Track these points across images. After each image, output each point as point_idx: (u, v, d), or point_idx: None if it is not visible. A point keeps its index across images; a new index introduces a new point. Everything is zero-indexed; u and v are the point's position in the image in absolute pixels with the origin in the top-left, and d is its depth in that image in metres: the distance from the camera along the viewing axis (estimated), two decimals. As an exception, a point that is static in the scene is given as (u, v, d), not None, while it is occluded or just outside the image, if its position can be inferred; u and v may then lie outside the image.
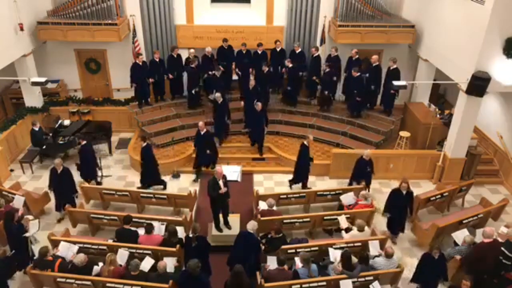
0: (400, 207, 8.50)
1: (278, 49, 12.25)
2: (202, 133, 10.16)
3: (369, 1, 11.63)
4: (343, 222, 8.26)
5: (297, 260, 7.24)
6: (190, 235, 7.16)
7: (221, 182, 8.12)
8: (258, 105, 10.71)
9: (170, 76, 12.22)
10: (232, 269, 6.65)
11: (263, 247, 7.60)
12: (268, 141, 11.50)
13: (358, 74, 11.45)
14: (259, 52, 12.19)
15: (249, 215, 9.29)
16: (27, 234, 7.64)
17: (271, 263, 7.15)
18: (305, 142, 9.78)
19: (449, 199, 9.55)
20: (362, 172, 9.62)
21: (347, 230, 8.10)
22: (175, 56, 12.10)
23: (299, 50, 12.23)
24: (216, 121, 11.36)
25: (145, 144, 9.66)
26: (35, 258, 7.29)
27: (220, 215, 8.58)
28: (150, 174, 9.99)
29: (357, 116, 12.20)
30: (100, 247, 7.66)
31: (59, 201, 9.00)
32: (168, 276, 6.75)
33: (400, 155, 10.74)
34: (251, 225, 7.25)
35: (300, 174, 10.13)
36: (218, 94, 10.89)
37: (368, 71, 11.86)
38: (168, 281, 6.63)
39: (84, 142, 9.72)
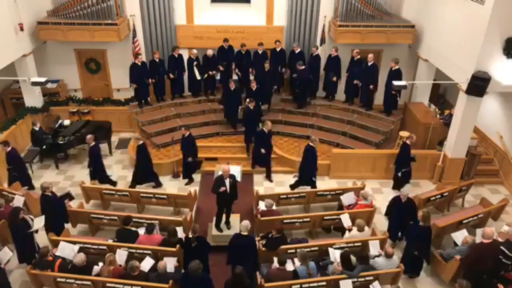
0: (420, 242, 7.57)
1: (278, 49, 12.25)
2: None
3: (369, 1, 11.64)
4: (346, 221, 8.24)
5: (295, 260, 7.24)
6: (190, 236, 7.16)
7: (227, 181, 8.11)
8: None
9: (171, 76, 12.24)
10: (233, 268, 6.65)
11: (261, 246, 7.59)
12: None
13: (303, 67, 11.70)
14: (260, 52, 12.19)
15: (249, 215, 9.29)
16: (32, 230, 7.68)
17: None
18: (408, 142, 9.78)
19: (449, 199, 9.55)
20: (403, 221, 8.20)
21: (350, 229, 8.09)
22: (176, 56, 12.10)
23: (298, 50, 12.24)
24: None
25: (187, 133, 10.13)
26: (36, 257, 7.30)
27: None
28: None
29: (300, 107, 12.42)
30: (100, 247, 7.66)
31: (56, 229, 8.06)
32: (168, 276, 6.75)
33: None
34: (244, 227, 7.13)
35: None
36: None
37: (365, 70, 11.88)
38: (168, 281, 6.63)
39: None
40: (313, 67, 12.29)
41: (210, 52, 12.06)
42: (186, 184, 10.40)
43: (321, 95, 13.01)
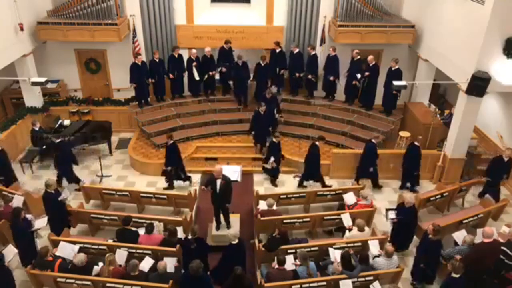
0: (429, 255, 7.39)
1: (277, 51, 12.17)
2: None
3: (369, 1, 11.64)
4: (347, 220, 8.23)
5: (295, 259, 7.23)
6: (189, 237, 7.16)
7: (218, 182, 8.12)
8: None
9: (171, 76, 12.22)
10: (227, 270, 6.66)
11: (261, 246, 7.59)
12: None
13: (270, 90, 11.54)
14: (262, 64, 11.87)
15: (249, 215, 9.31)
16: (33, 229, 7.70)
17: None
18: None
19: (449, 199, 9.55)
20: (405, 228, 8.14)
21: (351, 229, 8.08)
22: (176, 56, 12.09)
23: (297, 50, 12.22)
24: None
25: None
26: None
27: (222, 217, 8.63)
28: None
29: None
30: (100, 247, 7.66)
31: (58, 227, 8.10)
32: (168, 276, 6.75)
33: (400, 155, 10.70)
34: (233, 235, 7.07)
35: None
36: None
37: (366, 71, 11.89)
38: (168, 281, 6.63)
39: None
40: (310, 67, 12.30)
41: (208, 49, 12.05)
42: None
43: (321, 95, 13.00)
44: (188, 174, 10.31)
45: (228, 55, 12.24)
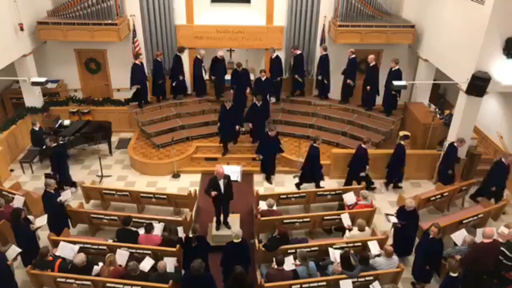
0: (431, 255, 7.37)
1: (263, 79, 11.52)
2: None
3: (369, 1, 11.65)
4: (347, 220, 8.24)
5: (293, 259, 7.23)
6: (190, 236, 7.17)
7: (221, 183, 8.10)
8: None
9: (180, 78, 12.19)
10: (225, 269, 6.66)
11: (261, 246, 7.59)
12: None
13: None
14: (258, 104, 10.97)
15: (249, 215, 9.31)
16: (34, 228, 7.70)
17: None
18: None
19: (449, 199, 9.55)
20: (407, 234, 8.07)
21: (350, 229, 8.08)
22: (181, 56, 12.10)
23: (275, 55, 12.06)
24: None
25: None
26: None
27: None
28: None
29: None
30: (100, 247, 7.67)
31: (58, 227, 8.10)
32: (168, 276, 6.76)
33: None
34: (236, 234, 7.03)
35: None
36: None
37: (365, 71, 11.87)
38: (168, 281, 6.64)
39: None
40: (297, 67, 12.28)
41: (220, 53, 11.99)
42: None
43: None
44: (67, 189, 9.19)
45: (242, 78, 11.82)
